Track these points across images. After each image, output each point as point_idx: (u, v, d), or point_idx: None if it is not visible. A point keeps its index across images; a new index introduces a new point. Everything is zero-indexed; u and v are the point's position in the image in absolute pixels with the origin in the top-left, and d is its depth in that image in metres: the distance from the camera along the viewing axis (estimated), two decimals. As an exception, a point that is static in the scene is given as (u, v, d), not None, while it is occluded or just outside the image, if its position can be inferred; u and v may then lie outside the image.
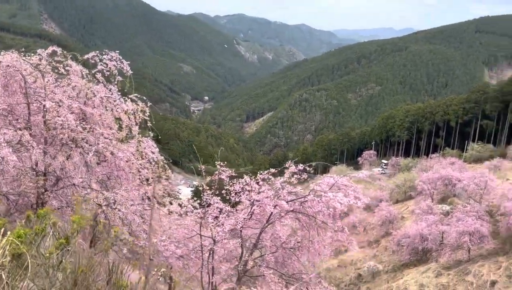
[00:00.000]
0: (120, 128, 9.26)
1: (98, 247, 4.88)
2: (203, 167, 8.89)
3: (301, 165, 8.69)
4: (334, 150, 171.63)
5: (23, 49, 8.81)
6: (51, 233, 3.98)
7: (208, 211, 8.58)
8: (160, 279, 8.34)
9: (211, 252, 8.58)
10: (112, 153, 8.73)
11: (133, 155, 9.23)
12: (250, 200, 8.42)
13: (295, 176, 8.50)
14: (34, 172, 8.02)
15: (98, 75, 8.90)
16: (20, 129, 7.97)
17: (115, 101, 8.94)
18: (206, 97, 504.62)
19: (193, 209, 8.84)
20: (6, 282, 3.11)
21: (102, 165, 9.13)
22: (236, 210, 8.84)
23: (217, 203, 8.60)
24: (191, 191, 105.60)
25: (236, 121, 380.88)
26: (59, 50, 8.82)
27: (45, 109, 8.00)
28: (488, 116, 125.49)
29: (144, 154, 9.54)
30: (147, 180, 9.47)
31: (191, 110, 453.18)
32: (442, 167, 63.54)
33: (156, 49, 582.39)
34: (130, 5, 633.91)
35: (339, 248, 43.70)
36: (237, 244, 8.76)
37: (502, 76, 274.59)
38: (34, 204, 8.03)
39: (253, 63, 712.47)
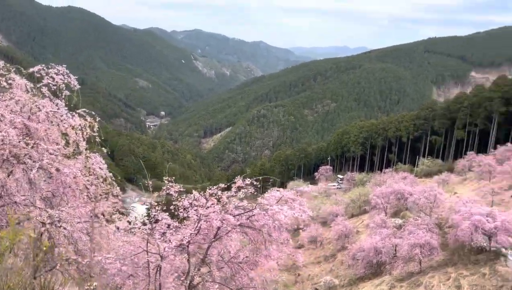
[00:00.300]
0: (67, 144, 8.96)
1: (30, 264, 4.68)
2: (150, 182, 8.77)
3: (249, 179, 8.73)
4: (291, 165, 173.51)
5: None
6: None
7: (155, 227, 8.49)
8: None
9: (158, 269, 8.45)
10: (57, 169, 8.41)
11: (81, 171, 8.93)
12: (197, 215, 8.40)
13: (243, 190, 8.54)
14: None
15: (44, 89, 8.59)
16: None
17: (61, 116, 8.63)
18: (163, 113, 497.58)
19: (141, 225, 8.70)
20: None
21: (48, 181, 8.78)
22: (185, 225, 8.82)
23: (165, 218, 8.53)
24: (146, 208, 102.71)
25: (194, 136, 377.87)
26: (1, 62, 8.50)
27: (-17, 124, 7.64)
28: (437, 132, 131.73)
29: (92, 170, 9.27)
30: (96, 197, 9.21)
31: (147, 125, 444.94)
32: (394, 181, 65.67)
33: (111, 63, 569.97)
34: (83, 18, 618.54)
35: (296, 263, 43.97)
36: (185, 259, 8.70)
37: (449, 95, 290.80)
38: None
39: (210, 79, 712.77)
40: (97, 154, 9.39)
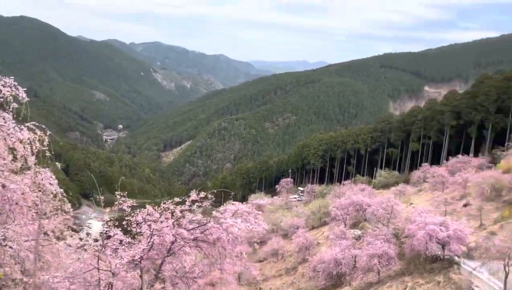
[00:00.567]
0: (15, 158, 8.50)
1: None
2: (102, 197, 8.48)
3: (203, 193, 8.74)
4: (253, 178, 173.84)
5: None
6: None
7: (107, 243, 8.20)
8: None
9: (110, 286, 8.12)
10: (3, 185, 7.95)
11: (29, 187, 8.47)
12: (150, 230, 8.19)
13: (197, 203, 8.52)
14: None
15: (-11, 102, 8.14)
16: None
17: (9, 129, 8.19)
18: (121, 126, 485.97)
19: (92, 242, 8.38)
20: None
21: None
22: (138, 241, 8.62)
23: (117, 234, 8.27)
24: (102, 224, 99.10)
25: (153, 150, 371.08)
26: None
27: None
28: (393, 145, 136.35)
29: (41, 185, 8.81)
30: (45, 213, 8.75)
31: (104, 139, 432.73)
32: (353, 193, 66.74)
33: (66, 75, 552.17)
34: (36, 28, 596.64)
35: (257, 277, 43.62)
36: (137, 276, 8.43)
37: (404, 108, 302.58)
38: None
39: (170, 91, 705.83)
40: (47, 168, 8.98)
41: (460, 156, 75.78)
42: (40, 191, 8.65)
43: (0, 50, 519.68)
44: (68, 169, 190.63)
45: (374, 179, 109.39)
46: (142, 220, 8.37)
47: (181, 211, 8.47)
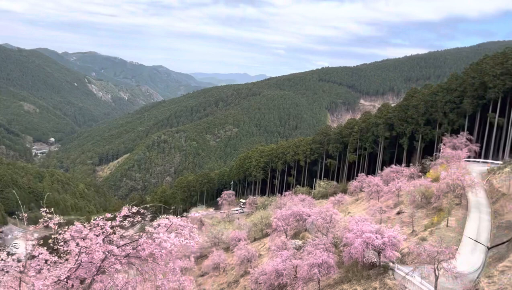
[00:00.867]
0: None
1: None
2: (25, 215, 7.73)
3: (136, 208, 8.59)
4: (194, 191, 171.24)
5: None
6: None
7: (30, 263, 7.50)
8: None
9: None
10: None
11: None
12: (78, 248, 7.73)
13: (128, 219, 8.30)
14: None
15: None
16: None
17: None
18: (52, 139, 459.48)
19: (14, 263, 7.59)
20: None
21: None
22: (65, 259, 8.06)
23: (42, 254, 7.62)
24: (32, 244, 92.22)
25: (88, 164, 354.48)
26: None
27: None
28: (332, 156, 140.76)
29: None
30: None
31: (34, 153, 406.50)
32: (294, 203, 67.74)
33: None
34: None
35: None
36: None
37: (341, 120, 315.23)
38: None
39: (107, 103, 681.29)
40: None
41: (393, 165, 79.33)
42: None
43: None
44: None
45: (314, 189, 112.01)
46: (70, 238, 7.80)
47: (112, 227, 8.13)
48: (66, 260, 8.20)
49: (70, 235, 7.88)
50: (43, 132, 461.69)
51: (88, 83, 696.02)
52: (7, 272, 8.07)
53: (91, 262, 8.01)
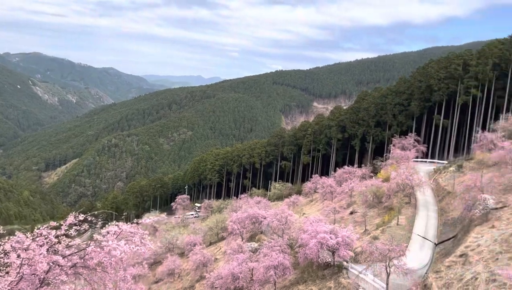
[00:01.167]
0: None
1: None
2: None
3: (83, 215, 8.37)
4: (147, 196, 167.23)
5: None
6: None
7: None
8: None
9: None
10: None
11: None
12: (20, 260, 7.07)
13: (75, 227, 8.01)
14: None
15: None
16: None
17: None
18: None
19: None
20: None
21: None
22: (6, 272, 7.43)
23: None
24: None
25: (33, 170, 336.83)
26: None
27: None
28: (286, 158, 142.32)
29: None
30: None
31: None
32: (249, 206, 67.68)
33: None
34: None
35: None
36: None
37: (295, 123, 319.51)
38: None
39: (53, 106, 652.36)
40: None
41: (346, 166, 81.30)
42: None
43: None
44: None
45: (269, 191, 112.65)
46: (10, 249, 7.20)
47: (57, 236, 7.70)
48: (7, 273, 7.66)
49: (11, 246, 7.32)
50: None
51: (33, 85, 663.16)
52: None
53: (34, 274, 7.51)
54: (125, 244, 8.14)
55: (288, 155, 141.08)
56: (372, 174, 73.80)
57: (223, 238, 61.54)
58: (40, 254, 7.36)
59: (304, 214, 62.69)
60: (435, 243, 36.47)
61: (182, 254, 61.30)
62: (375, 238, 38.69)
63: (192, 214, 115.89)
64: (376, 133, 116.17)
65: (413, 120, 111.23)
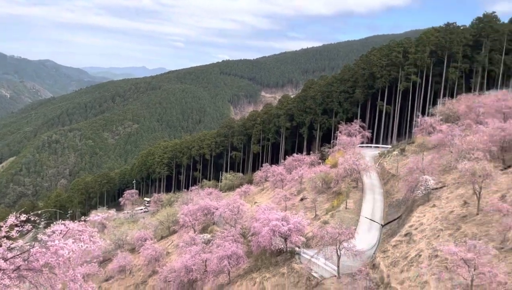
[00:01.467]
0: None
1: None
2: None
3: (25, 215, 7.93)
4: (93, 193, 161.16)
5: None
6: None
7: None
8: None
9: None
10: None
11: None
12: None
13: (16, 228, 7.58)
14: None
15: None
16: None
17: None
18: None
19: None
20: None
21: None
22: None
23: None
24: None
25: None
26: None
27: None
28: (236, 148, 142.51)
29: None
30: None
31: None
32: (201, 198, 67.26)
33: None
34: None
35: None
36: None
37: (244, 113, 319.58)
38: None
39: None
40: None
41: (295, 154, 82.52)
42: None
43: None
44: None
45: (221, 182, 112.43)
46: None
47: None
48: None
49: None
50: None
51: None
52: None
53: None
54: (73, 243, 7.92)
55: (238, 145, 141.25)
56: (320, 161, 75.52)
57: (174, 232, 60.71)
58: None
59: (256, 202, 63.07)
60: (381, 224, 38.03)
61: (132, 250, 59.81)
62: (325, 222, 39.67)
63: (142, 209, 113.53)
64: (323, 121, 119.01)
65: (358, 107, 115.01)
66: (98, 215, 74.29)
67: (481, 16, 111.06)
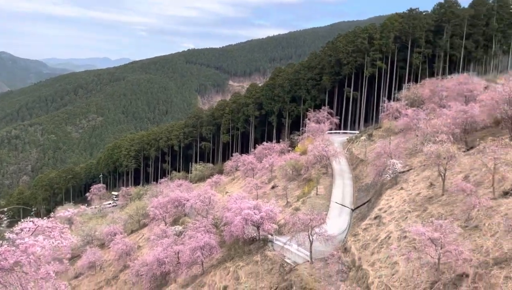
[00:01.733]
0: None
1: None
2: None
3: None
4: (58, 189, 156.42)
5: None
6: None
7: None
8: None
9: None
10: None
11: None
12: None
13: None
14: None
15: None
16: None
17: None
18: None
19: None
20: None
21: None
22: None
23: None
24: None
25: None
26: None
27: None
28: (205, 138, 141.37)
29: None
30: None
31: None
32: (171, 190, 66.41)
33: None
34: None
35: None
36: None
37: (212, 102, 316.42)
38: None
39: None
40: None
41: (265, 143, 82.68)
42: None
43: None
44: None
45: (190, 173, 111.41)
46: None
47: None
48: None
49: None
50: None
51: None
52: None
53: None
54: (44, 239, 7.92)
55: (207, 135, 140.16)
56: (290, 148, 75.96)
57: (145, 225, 59.86)
58: None
59: (227, 192, 62.92)
60: (352, 209, 38.71)
61: (102, 245, 58.61)
62: (297, 209, 40.02)
63: (110, 203, 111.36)
64: (292, 109, 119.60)
65: (325, 94, 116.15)
66: (68, 211, 72.48)
67: (442, 1, 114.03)
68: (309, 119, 77.01)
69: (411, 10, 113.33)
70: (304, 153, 59.85)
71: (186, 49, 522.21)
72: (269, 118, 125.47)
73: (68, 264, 43.82)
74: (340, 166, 53.19)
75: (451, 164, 28.81)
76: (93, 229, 63.50)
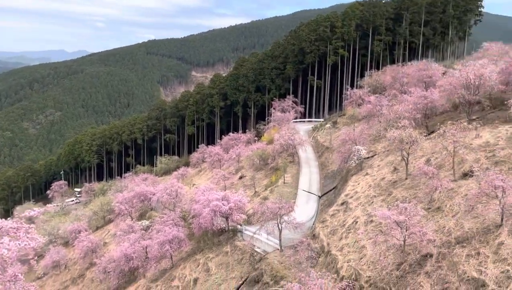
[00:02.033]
0: None
1: None
2: None
3: None
4: (16, 187, 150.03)
5: None
6: None
7: None
8: None
9: None
10: None
11: None
12: None
13: None
14: None
15: None
16: None
17: None
18: None
19: None
20: None
21: None
22: None
23: None
24: None
25: None
26: None
27: None
28: (170, 130, 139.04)
29: None
30: None
31: None
32: (136, 184, 65.30)
33: None
34: None
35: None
36: None
37: (175, 94, 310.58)
38: None
39: None
40: None
41: (231, 133, 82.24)
42: None
43: None
44: None
45: (156, 166, 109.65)
46: None
47: None
48: None
49: None
50: None
51: None
52: None
53: None
54: (10, 241, 7.49)
55: (171, 127, 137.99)
56: (256, 138, 76.07)
57: (110, 221, 58.54)
58: None
59: (194, 184, 62.41)
60: (319, 196, 39.21)
61: (66, 244, 57.01)
62: (265, 198, 40.16)
63: (73, 200, 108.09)
64: (257, 98, 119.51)
65: (290, 83, 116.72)
66: (34, 210, 69.87)
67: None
68: (274, 108, 77.27)
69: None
70: (270, 142, 60.05)
71: (146, 40, 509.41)
72: (234, 108, 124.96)
73: (36, 265, 42.45)
74: (306, 154, 53.72)
75: (413, 148, 29.60)
76: (55, 227, 61.58)
